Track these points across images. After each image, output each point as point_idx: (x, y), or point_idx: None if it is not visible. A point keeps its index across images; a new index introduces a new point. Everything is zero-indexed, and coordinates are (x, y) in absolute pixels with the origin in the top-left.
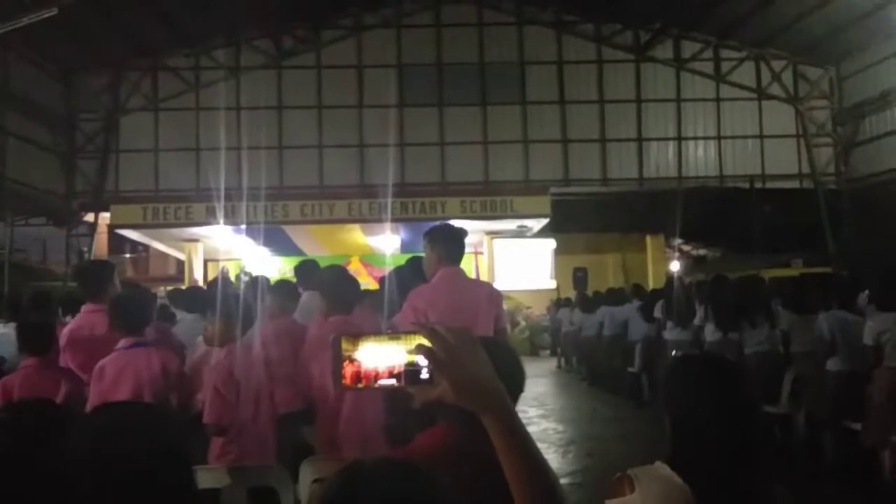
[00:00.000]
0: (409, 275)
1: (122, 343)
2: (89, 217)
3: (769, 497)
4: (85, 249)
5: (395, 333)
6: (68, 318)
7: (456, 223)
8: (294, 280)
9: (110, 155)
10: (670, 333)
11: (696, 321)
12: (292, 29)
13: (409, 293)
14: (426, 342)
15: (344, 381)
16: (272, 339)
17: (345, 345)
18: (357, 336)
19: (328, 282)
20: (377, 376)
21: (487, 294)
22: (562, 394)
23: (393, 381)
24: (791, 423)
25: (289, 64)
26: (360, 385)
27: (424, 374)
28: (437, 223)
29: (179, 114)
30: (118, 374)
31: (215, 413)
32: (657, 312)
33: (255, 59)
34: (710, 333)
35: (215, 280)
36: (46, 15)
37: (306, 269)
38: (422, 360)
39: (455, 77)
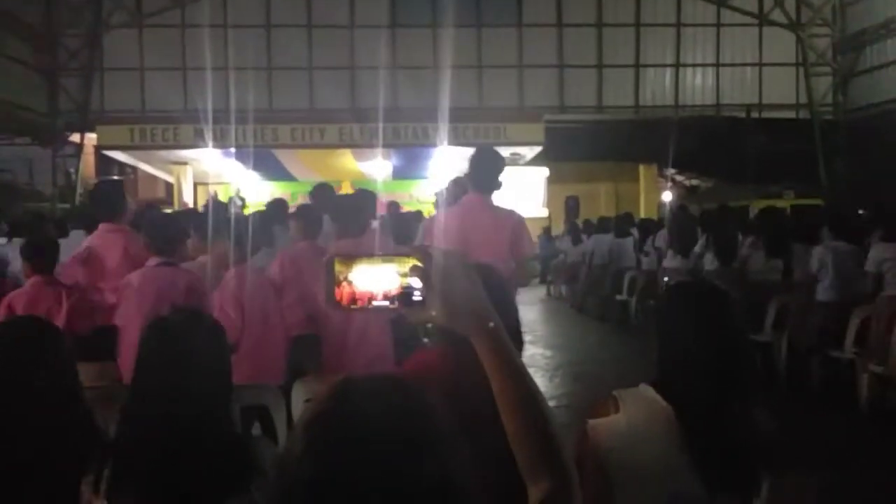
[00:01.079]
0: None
1: (151, 261)
2: (75, 137)
3: (749, 420)
4: (72, 170)
5: (388, 255)
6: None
7: (448, 150)
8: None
9: (94, 73)
10: (670, 262)
11: (697, 248)
12: None
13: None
14: (420, 264)
15: (337, 302)
16: (289, 263)
17: (339, 266)
18: (351, 258)
19: (337, 206)
20: (371, 298)
21: (501, 219)
22: (550, 320)
23: (387, 303)
24: (774, 350)
25: None
26: (353, 306)
27: (417, 297)
28: (479, 147)
29: (165, 31)
30: (141, 289)
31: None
32: (659, 241)
33: None
34: (709, 262)
35: (218, 202)
36: None
37: (323, 193)
38: (415, 283)
39: None
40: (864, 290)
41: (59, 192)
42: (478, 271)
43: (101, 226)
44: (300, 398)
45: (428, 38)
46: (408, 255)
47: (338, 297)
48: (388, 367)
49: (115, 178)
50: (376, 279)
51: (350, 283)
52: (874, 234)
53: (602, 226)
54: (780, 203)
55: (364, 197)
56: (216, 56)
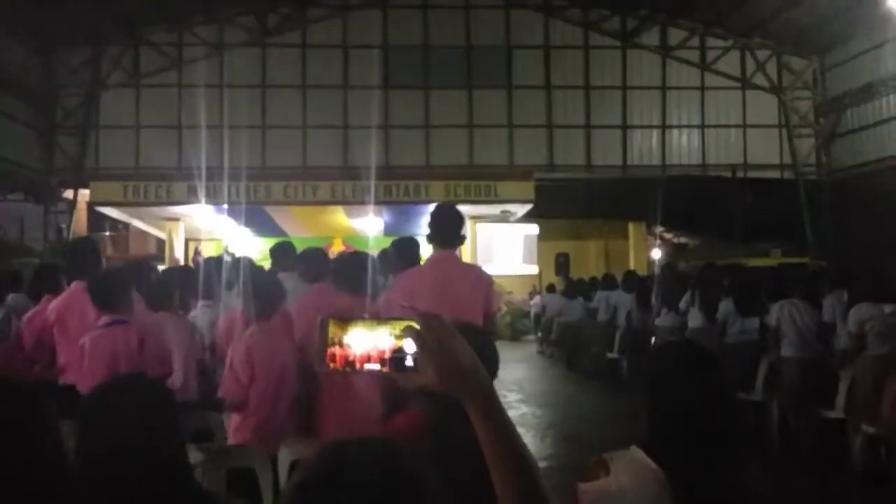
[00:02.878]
0: (395, 257)
1: (101, 320)
2: (69, 194)
3: (741, 482)
4: (64, 227)
5: (382, 318)
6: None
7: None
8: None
9: (90, 131)
10: (661, 319)
11: (682, 305)
12: (277, 6)
13: (395, 276)
14: (411, 329)
15: (330, 364)
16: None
17: (332, 328)
18: (344, 319)
19: (344, 266)
20: (363, 360)
21: (476, 278)
22: (542, 378)
23: (378, 367)
24: (765, 410)
25: (273, 42)
26: (346, 369)
27: (409, 361)
28: (438, 204)
29: (161, 90)
30: (93, 352)
31: (226, 389)
32: (653, 299)
33: (238, 36)
34: (693, 319)
35: (217, 259)
36: None
37: (282, 251)
38: (408, 347)
39: (441, 60)
40: (838, 348)
41: (51, 248)
42: (467, 333)
43: (74, 283)
44: (286, 460)
45: (420, 98)
46: (401, 318)
47: (330, 359)
48: (376, 429)
49: (90, 236)
50: (369, 342)
51: (343, 345)
52: (835, 292)
53: (608, 283)
54: (767, 261)
55: (362, 258)
56: (211, 114)
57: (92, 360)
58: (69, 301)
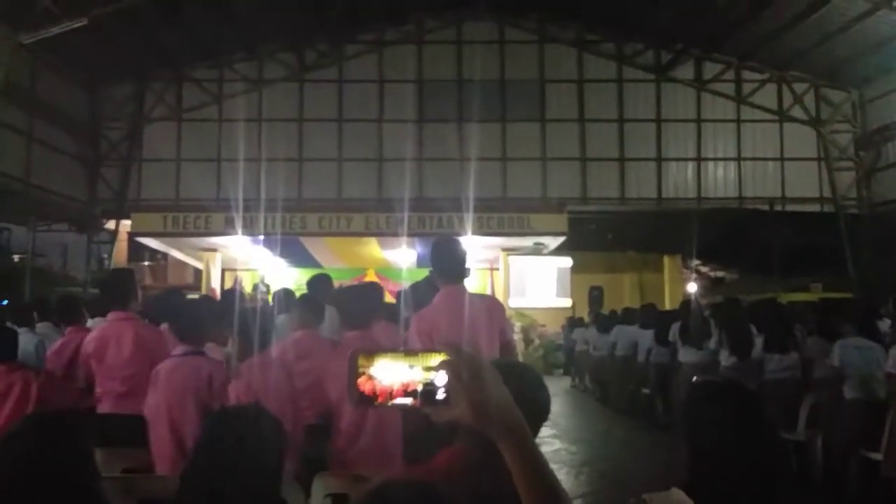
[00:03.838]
0: (425, 291)
1: (177, 349)
2: (111, 224)
3: None
4: (105, 256)
5: (413, 351)
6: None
7: (472, 240)
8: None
9: (133, 163)
10: (685, 355)
11: (711, 345)
12: (315, 43)
13: (414, 315)
14: (446, 361)
15: (359, 398)
16: (293, 352)
17: (362, 361)
18: (375, 353)
19: (344, 299)
20: (393, 394)
21: (488, 308)
22: (575, 413)
23: (409, 400)
24: (808, 450)
25: (310, 77)
26: (375, 403)
27: (441, 395)
28: (437, 239)
29: (202, 124)
30: (168, 379)
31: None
32: (672, 335)
33: (277, 71)
34: (725, 358)
35: (231, 291)
36: (76, 25)
37: (320, 284)
38: (439, 380)
39: (475, 94)
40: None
41: (92, 277)
42: (510, 370)
43: (111, 314)
44: (320, 493)
45: (454, 131)
46: (432, 351)
47: (360, 392)
48: (398, 463)
49: (128, 267)
50: (399, 375)
51: (371, 378)
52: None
53: (626, 317)
54: (807, 296)
55: (370, 290)
56: (249, 147)
57: (166, 386)
58: (107, 332)
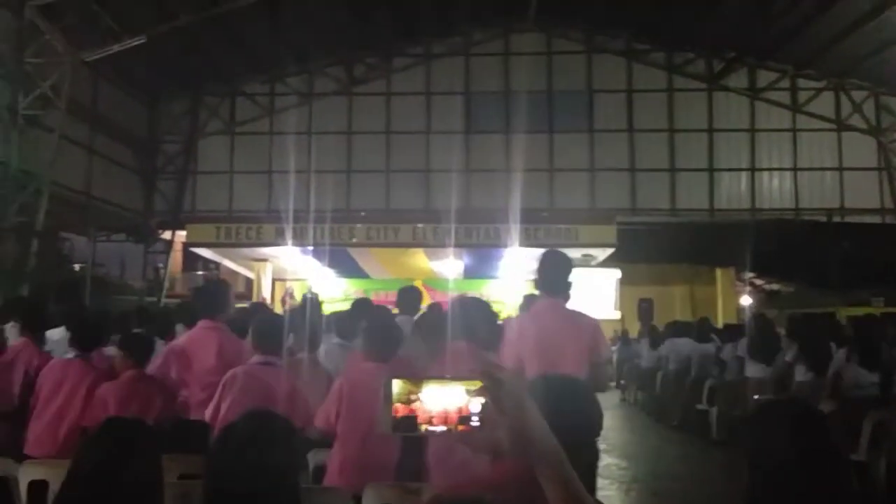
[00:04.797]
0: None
1: (254, 358)
2: (166, 235)
3: None
4: (161, 266)
5: (448, 378)
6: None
7: (519, 251)
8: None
9: (188, 176)
10: (752, 371)
11: (788, 358)
12: (364, 56)
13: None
14: (485, 388)
15: (393, 424)
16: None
17: (404, 386)
18: (409, 380)
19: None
20: (428, 421)
21: (579, 326)
22: (625, 428)
23: (444, 428)
24: (871, 472)
25: (359, 90)
26: (409, 429)
27: (477, 422)
28: (547, 251)
29: (254, 138)
30: (244, 386)
31: (319, 420)
32: (740, 350)
33: (327, 85)
34: (801, 373)
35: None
36: (136, 43)
37: (407, 296)
38: (476, 407)
39: (522, 105)
40: None
41: (148, 286)
42: (564, 385)
43: (200, 322)
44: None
45: (501, 142)
46: (469, 379)
47: (394, 418)
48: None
49: (223, 279)
50: (443, 400)
51: (413, 403)
52: None
53: (679, 330)
54: (868, 310)
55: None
56: (300, 160)
57: (241, 393)
58: (194, 340)
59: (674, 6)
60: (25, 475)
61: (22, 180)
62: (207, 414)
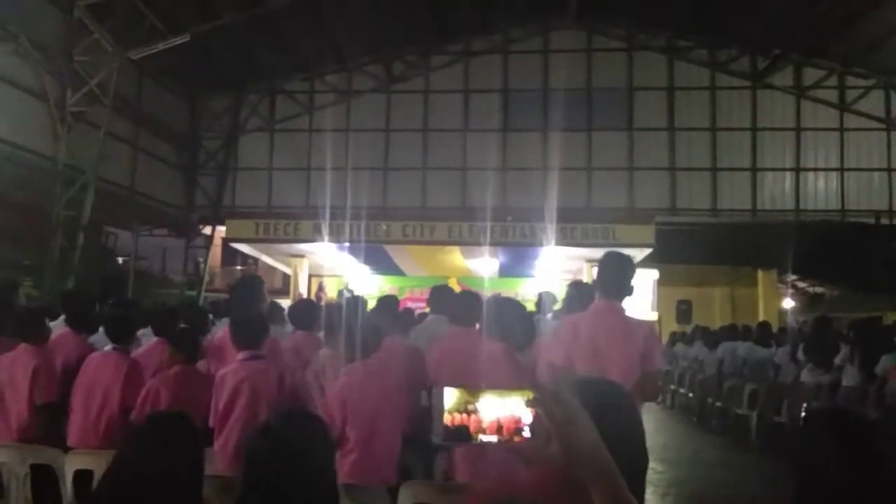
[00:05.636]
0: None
1: (241, 355)
2: (207, 230)
3: None
4: (201, 260)
5: (509, 388)
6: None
7: (555, 250)
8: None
9: (228, 172)
10: (806, 375)
11: (838, 360)
12: (402, 54)
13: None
14: (537, 400)
15: (445, 433)
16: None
17: (461, 395)
18: (466, 389)
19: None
20: (481, 431)
21: (632, 332)
22: (662, 430)
23: (495, 438)
24: None
25: (397, 88)
26: (462, 439)
27: (529, 433)
28: (609, 251)
29: (293, 135)
30: (238, 385)
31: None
32: (800, 354)
33: (365, 83)
34: (851, 376)
35: (339, 302)
36: (179, 41)
37: (440, 294)
38: (529, 419)
39: (560, 102)
40: None
41: (188, 280)
42: (610, 392)
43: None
44: (408, 502)
45: (538, 140)
46: (527, 390)
47: (446, 427)
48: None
49: (257, 275)
50: (490, 412)
51: (471, 412)
52: None
53: (735, 333)
54: None
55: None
56: (337, 157)
57: (235, 391)
58: (228, 335)
59: (717, 3)
60: (71, 465)
61: (69, 175)
62: (210, 417)
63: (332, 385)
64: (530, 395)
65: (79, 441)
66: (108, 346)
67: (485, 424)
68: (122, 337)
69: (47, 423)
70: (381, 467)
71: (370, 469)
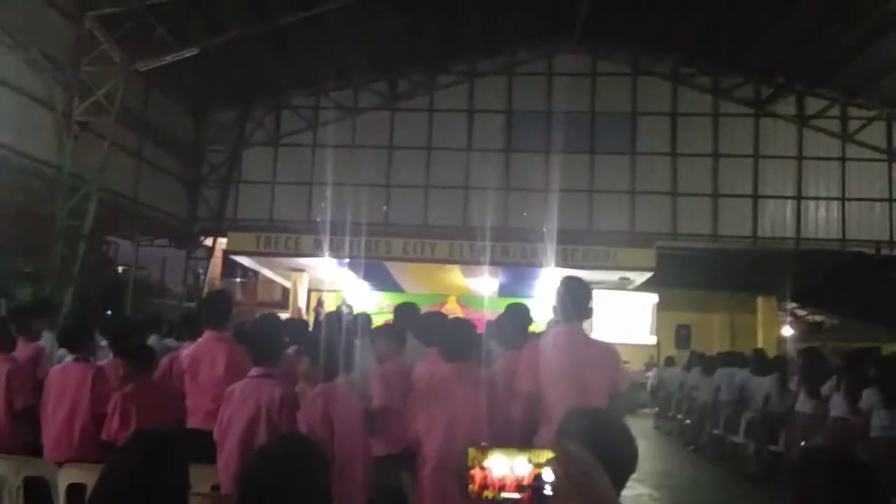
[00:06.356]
0: (508, 324)
1: (253, 371)
2: (208, 242)
3: None
4: (201, 271)
5: (524, 447)
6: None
7: (555, 272)
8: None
9: (231, 185)
10: (801, 405)
11: (825, 390)
12: (408, 73)
13: (508, 344)
14: (555, 458)
15: (466, 490)
16: (380, 381)
17: (473, 453)
18: (487, 446)
19: (444, 330)
20: (502, 487)
21: (603, 355)
22: (659, 457)
23: (517, 495)
24: None
25: (402, 106)
26: (485, 494)
27: (548, 491)
28: (567, 276)
29: (296, 149)
30: (244, 400)
31: None
32: (792, 384)
33: (370, 100)
34: (835, 407)
35: (323, 319)
36: (187, 54)
37: (406, 313)
38: (547, 476)
39: (564, 125)
40: None
41: (187, 290)
42: (598, 422)
43: (206, 333)
44: None
45: (541, 161)
46: (543, 448)
47: (470, 481)
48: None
49: (224, 289)
50: (508, 468)
51: (482, 469)
52: None
53: (728, 360)
54: None
55: (469, 324)
56: (340, 173)
57: (239, 407)
58: (202, 350)
59: (722, 31)
60: (64, 478)
61: (73, 185)
62: (215, 430)
63: (311, 405)
64: (536, 454)
65: (54, 452)
66: (69, 357)
67: (493, 481)
68: (81, 346)
69: (22, 430)
70: (356, 490)
71: (348, 491)
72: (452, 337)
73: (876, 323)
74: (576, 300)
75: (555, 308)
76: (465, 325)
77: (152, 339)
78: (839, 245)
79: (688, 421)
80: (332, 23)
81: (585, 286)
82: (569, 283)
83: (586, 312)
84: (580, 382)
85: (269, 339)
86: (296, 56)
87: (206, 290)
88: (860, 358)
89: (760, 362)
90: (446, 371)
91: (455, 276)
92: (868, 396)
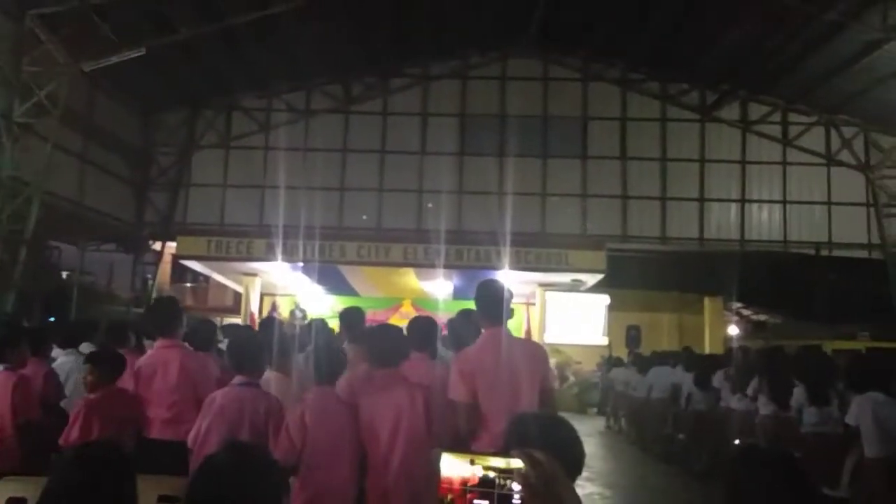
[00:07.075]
0: (463, 326)
1: (235, 380)
2: (157, 246)
3: None
4: (149, 276)
5: (491, 454)
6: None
7: (509, 274)
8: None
9: (181, 188)
10: (737, 403)
11: (749, 391)
12: (362, 76)
13: (456, 354)
14: (520, 470)
15: (440, 495)
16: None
17: (446, 460)
18: (458, 452)
19: (375, 337)
20: (469, 495)
21: (532, 354)
22: (609, 456)
23: (486, 503)
24: None
25: (356, 109)
26: (449, 498)
27: (516, 499)
28: (482, 280)
29: (248, 152)
30: (225, 408)
31: (280, 452)
32: (716, 381)
33: (324, 103)
34: (763, 406)
35: (269, 319)
36: (135, 55)
37: (352, 317)
38: (515, 486)
39: (517, 129)
40: None
41: (135, 296)
42: (545, 423)
43: (158, 341)
44: None
45: (494, 165)
46: (514, 457)
47: (441, 495)
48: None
49: (173, 296)
50: (460, 471)
51: (451, 475)
52: None
53: (664, 358)
54: (853, 344)
55: (398, 330)
56: (293, 176)
57: (221, 416)
58: (155, 359)
59: (670, 39)
60: (3, 492)
61: (14, 188)
62: (189, 437)
63: (293, 409)
64: (482, 458)
65: None
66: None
67: (457, 485)
68: (8, 355)
69: None
70: (344, 495)
71: (328, 497)
72: (378, 344)
73: (816, 321)
74: (495, 303)
75: (478, 314)
76: (388, 331)
77: (84, 346)
78: (781, 246)
79: (622, 420)
80: (285, 24)
81: (502, 288)
82: (486, 286)
83: (507, 314)
84: (512, 385)
85: (250, 347)
86: (247, 57)
87: (154, 295)
88: (775, 357)
89: (689, 361)
90: (378, 377)
91: (410, 279)
92: (797, 395)
